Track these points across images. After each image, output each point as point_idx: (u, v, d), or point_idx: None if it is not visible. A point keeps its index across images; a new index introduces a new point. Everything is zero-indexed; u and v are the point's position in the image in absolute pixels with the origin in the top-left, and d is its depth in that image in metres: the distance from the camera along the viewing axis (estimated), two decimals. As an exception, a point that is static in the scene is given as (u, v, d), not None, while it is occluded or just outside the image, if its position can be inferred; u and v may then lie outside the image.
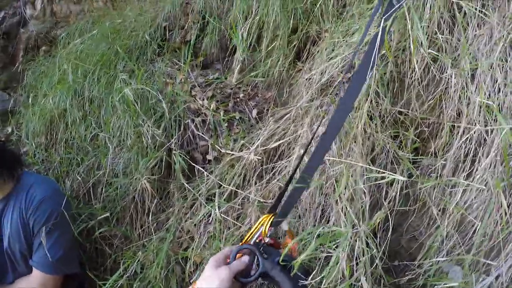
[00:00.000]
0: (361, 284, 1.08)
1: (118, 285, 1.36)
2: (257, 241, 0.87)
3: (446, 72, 1.13)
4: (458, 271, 1.14)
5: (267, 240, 0.86)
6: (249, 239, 0.88)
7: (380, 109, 1.24)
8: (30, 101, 2.12)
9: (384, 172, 1.00)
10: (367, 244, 1.15)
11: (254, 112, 1.56)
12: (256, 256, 0.82)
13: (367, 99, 1.22)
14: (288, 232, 0.91)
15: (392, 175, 0.98)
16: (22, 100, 2.30)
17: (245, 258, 0.80)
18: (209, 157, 1.46)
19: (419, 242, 1.25)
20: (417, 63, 1.15)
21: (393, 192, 1.21)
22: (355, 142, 1.26)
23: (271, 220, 0.88)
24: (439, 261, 1.16)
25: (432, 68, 1.17)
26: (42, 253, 1.29)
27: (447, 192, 1.17)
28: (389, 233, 1.22)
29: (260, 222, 0.88)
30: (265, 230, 0.87)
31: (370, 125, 1.24)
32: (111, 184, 1.54)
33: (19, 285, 1.34)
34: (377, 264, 1.15)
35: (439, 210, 1.18)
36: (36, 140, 2.02)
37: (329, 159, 1.25)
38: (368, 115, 1.22)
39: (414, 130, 1.22)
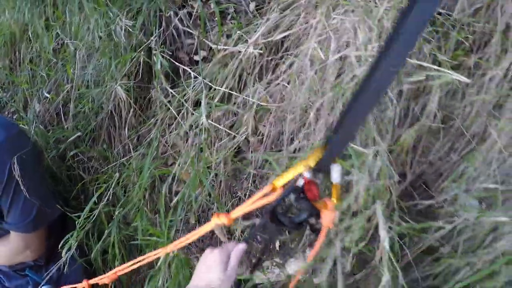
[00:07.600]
0: (375, 211, 0.86)
1: (95, 215, 1.14)
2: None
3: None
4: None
5: (301, 182, 0.53)
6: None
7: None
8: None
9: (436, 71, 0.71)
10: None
11: (252, 5, 1.27)
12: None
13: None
14: (335, 188, 0.56)
15: (451, 73, 0.71)
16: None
17: (242, 246, 0.67)
18: (197, 57, 1.20)
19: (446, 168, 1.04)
20: None
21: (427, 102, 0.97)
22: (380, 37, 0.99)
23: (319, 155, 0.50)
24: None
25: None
26: (17, 214, 1.02)
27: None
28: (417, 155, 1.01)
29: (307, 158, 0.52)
30: (307, 164, 0.51)
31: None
32: (82, 98, 1.29)
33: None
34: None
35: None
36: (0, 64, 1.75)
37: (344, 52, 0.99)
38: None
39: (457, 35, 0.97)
